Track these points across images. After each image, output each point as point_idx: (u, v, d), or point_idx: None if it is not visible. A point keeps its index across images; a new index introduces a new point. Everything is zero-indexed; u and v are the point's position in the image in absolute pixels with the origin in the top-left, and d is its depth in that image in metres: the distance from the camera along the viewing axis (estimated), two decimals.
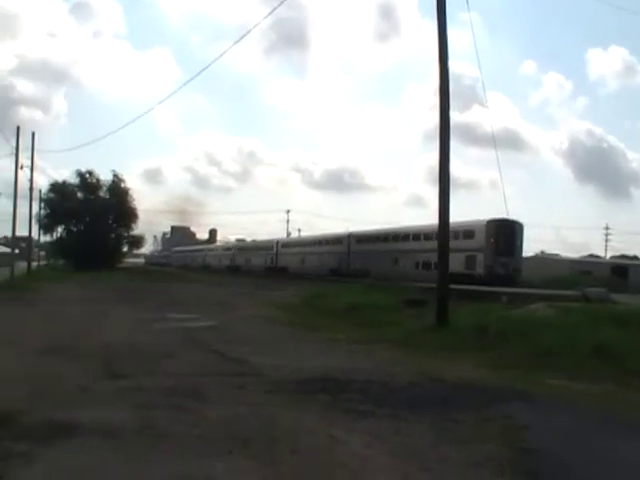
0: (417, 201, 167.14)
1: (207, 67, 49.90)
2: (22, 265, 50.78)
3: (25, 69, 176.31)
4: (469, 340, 12.90)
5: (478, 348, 12.14)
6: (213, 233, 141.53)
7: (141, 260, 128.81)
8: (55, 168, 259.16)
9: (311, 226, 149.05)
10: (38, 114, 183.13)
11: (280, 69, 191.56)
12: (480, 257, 38.06)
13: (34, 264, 62.91)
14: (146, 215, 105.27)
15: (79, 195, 70.08)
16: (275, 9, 33.66)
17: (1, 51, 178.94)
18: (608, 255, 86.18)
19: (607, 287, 26.84)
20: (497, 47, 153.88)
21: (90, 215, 67.43)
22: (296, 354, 12.12)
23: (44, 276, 49.56)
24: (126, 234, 73.62)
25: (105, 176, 71.53)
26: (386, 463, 5.48)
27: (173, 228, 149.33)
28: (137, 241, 77.08)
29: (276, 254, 70.61)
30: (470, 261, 37.55)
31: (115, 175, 71.06)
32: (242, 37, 30.38)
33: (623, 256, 78.05)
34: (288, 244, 73.10)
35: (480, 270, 37.74)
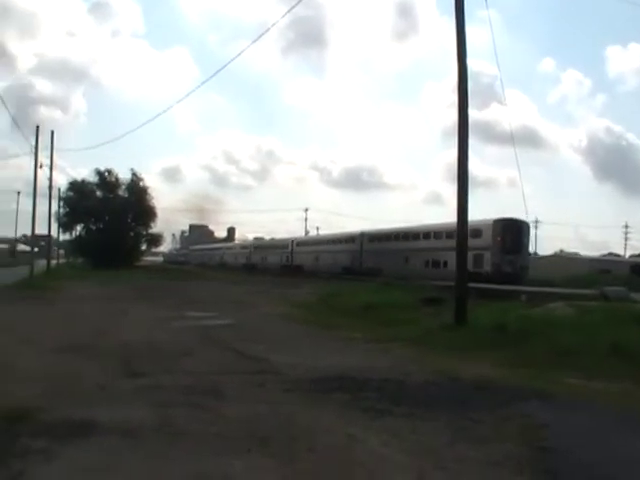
0: (435, 199, 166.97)
1: (225, 66, 50.15)
2: (41, 263, 51.21)
3: (44, 68, 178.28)
4: (488, 339, 12.82)
5: (497, 347, 12.06)
6: (231, 231, 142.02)
7: (159, 258, 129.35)
8: (74, 167, 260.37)
9: (329, 224, 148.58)
10: (57, 113, 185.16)
11: (298, 68, 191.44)
12: (487, 255, 38.23)
13: (53, 262, 63.33)
14: (164, 213, 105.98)
15: (98, 194, 70.54)
16: (293, 8, 33.65)
17: (21, 50, 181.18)
18: (627, 254, 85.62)
19: (626, 286, 26.57)
20: (516, 44, 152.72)
21: (109, 213, 67.79)
22: (313, 352, 12.13)
23: (63, 274, 49.84)
24: (145, 232, 73.97)
25: (124, 175, 72.25)
26: (403, 461, 5.48)
27: (191, 226, 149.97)
28: (155, 239, 77.37)
29: (291, 252, 70.77)
30: (478, 259, 37.44)
31: (134, 174, 71.60)
32: (260, 36, 30.33)
33: None
34: (303, 243, 73.26)
35: (487, 268, 37.88)
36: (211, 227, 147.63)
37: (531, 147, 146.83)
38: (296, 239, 75.94)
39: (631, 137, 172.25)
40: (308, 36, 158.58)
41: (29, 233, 48.05)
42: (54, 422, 6.29)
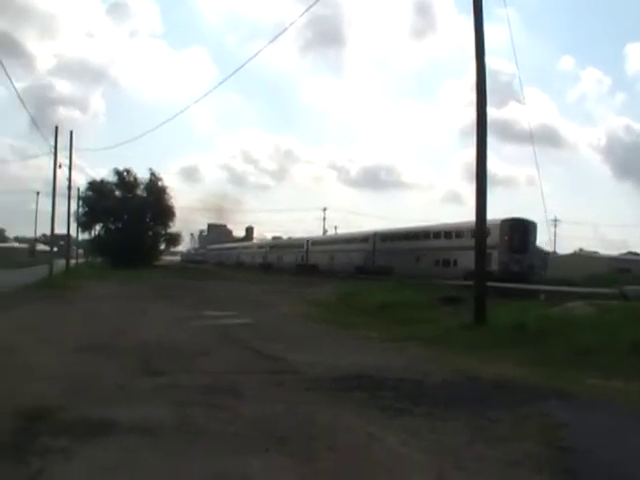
0: (454, 198, 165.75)
1: (243, 65, 50.15)
2: (61, 263, 51.57)
3: (63, 69, 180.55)
4: (507, 338, 12.77)
5: (516, 346, 12.01)
6: (249, 231, 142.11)
7: (178, 258, 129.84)
8: (93, 167, 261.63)
9: (347, 224, 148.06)
10: (76, 113, 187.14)
11: (316, 67, 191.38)
12: (495, 254, 38.10)
13: (72, 262, 63.89)
14: (183, 213, 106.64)
15: (117, 193, 70.87)
16: (310, 7, 33.63)
17: (40, 51, 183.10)
18: None
19: None
20: (534, 43, 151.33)
21: (128, 213, 68.09)
22: (331, 351, 12.13)
23: (82, 274, 50.27)
24: (163, 232, 74.10)
25: (142, 174, 72.25)
26: (422, 461, 5.46)
27: (210, 226, 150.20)
28: (174, 239, 77.54)
29: (307, 252, 70.91)
30: (486, 258, 37.43)
31: (152, 173, 71.65)
32: (278, 35, 30.51)
33: None
34: (318, 242, 73.42)
35: (495, 267, 37.78)
36: (229, 227, 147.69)
37: (550, 146, 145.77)
38: (311, 239, 76.10)
39: None
40: (326, 35, 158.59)
41: (48, 233, 48.51)
42: (74, 421, 6.32)
